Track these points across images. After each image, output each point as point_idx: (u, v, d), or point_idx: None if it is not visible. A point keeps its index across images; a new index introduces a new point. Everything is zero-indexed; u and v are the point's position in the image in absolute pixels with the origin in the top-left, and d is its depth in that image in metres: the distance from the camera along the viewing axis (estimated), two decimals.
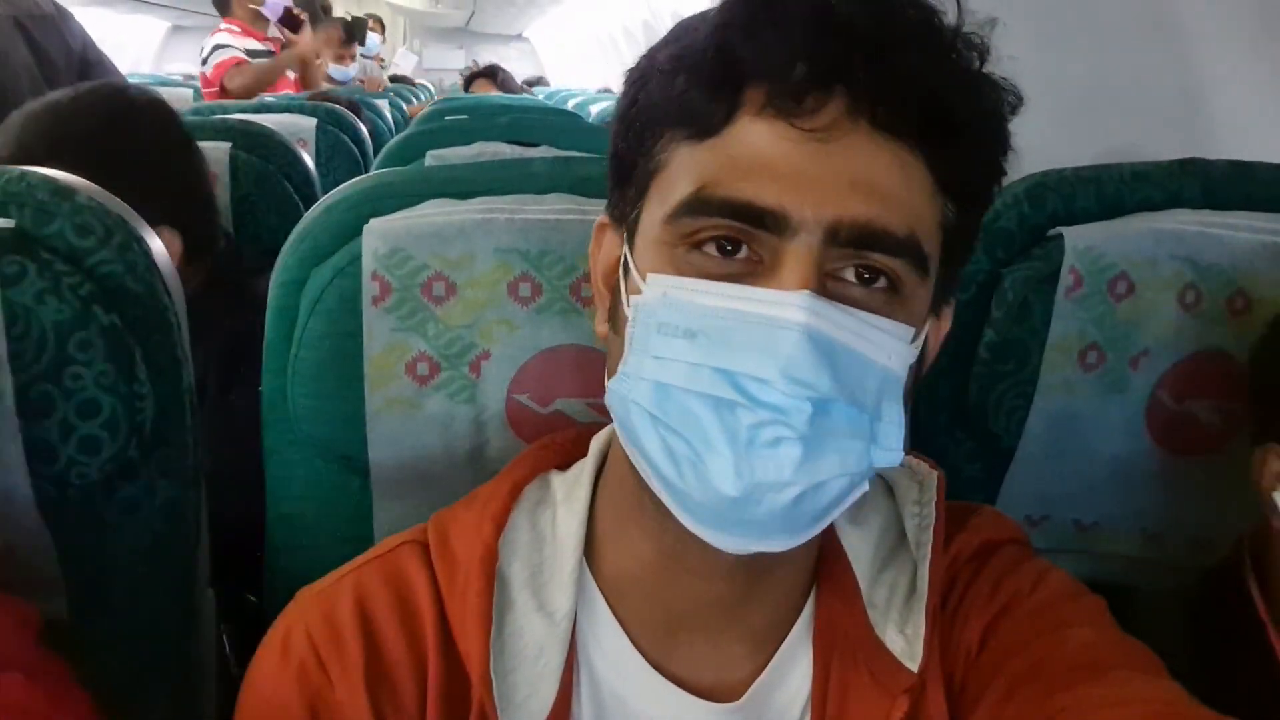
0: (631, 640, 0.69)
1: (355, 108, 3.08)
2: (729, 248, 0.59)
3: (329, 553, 0.74)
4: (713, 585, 0.67)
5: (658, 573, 0.67)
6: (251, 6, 4.49)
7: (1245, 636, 0.82)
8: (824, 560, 0.70)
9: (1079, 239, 0.92)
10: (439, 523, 0.72)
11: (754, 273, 0.58)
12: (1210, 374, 0.95)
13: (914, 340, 0.60)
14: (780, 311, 0.56)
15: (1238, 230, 0.93)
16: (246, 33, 4.50)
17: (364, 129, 2.81)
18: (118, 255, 0.84)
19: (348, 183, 0.92)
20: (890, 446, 0.59)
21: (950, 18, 0.58)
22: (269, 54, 4.49)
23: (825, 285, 0.57)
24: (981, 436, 0.99)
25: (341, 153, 2.61)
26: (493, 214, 0.86)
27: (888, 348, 0.58)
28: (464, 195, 0.89)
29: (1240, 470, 0.86)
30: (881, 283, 0.59)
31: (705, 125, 0.59)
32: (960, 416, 0.99)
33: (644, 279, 0.61)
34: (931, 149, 0.58)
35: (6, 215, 0.82)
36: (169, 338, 0.87)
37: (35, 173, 0.85)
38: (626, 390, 0.60)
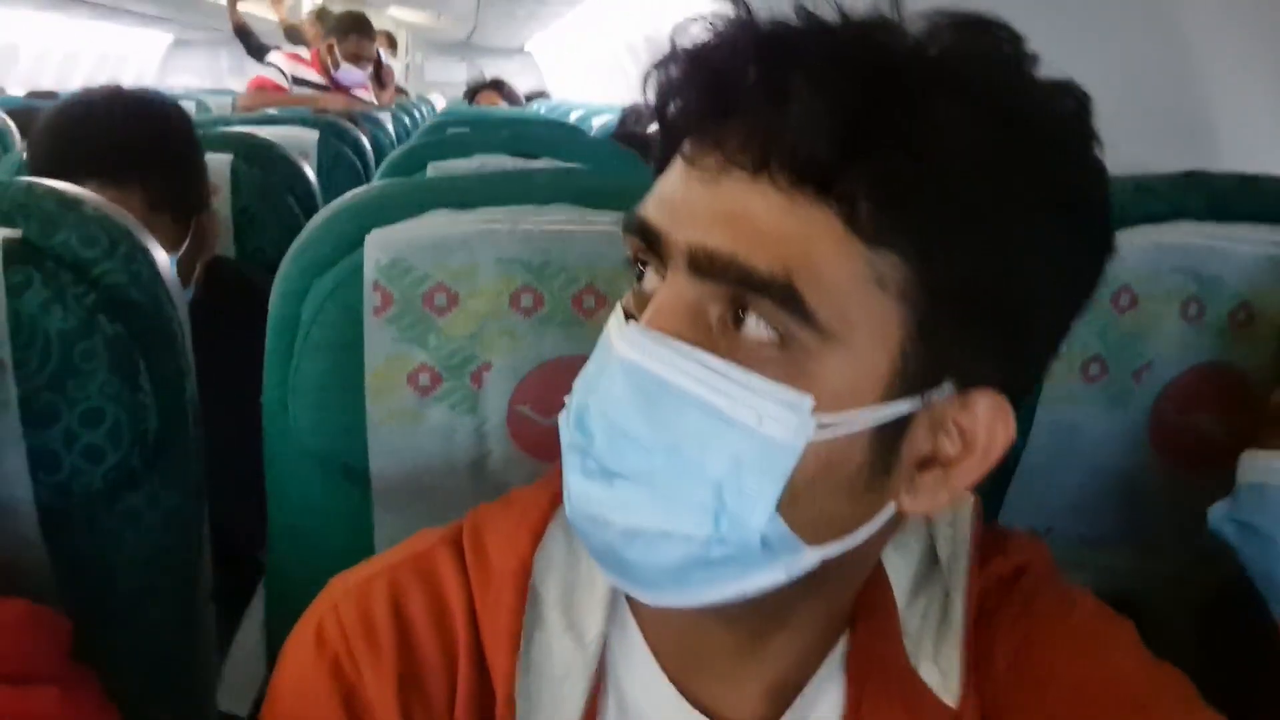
0: (663, 668, 0.67)
1: (357, 121, 3.09)
2: (639, 275, 0.60)
3: (330, 564, 0.74)
4: (720, 634, 0.65)
5: (670, 612, 0.65)
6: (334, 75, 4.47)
7: (1263, 644, 0.82)
8: (864, 588, 0.67)
9: None
10: (475, 525, 0.70)
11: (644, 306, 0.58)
12: (1214, 386, 0.95)
13: (823, 412, 0.53)
14: (614, 341, 0.56)
15: (1242, 243, 0.93)
16: (315, 65, 4.44)
17: (366, 142, 2.82)
18: (123, 265, 0.84)
19: (349, 193, 0.92)
20: (745, 523, 0.54)
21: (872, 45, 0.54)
22: (322, 88, 4.46)
23: (704, 331, 0.55)
24: None
25: (343, 166, 2.61)
26: (495, 225, 0.86)
27: (755, 407, 0.53)
28: (466, 206, 0.89)
29: None
30: (764, 333, 0.53)
31: (659, 167, 0.60)
32: None
33: None
34: (838, 198, 0.52)
35: (13, 225, 0.82)
36: (173, 348, 0.88)
37: (42, 184, 0.86)
38: None
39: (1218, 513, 0.86)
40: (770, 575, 0.56)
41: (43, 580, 0.83)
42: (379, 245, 0.85)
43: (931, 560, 0.70)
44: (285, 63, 4.46)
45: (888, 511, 0.58)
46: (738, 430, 0.53)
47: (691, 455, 0.54)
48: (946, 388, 0.56)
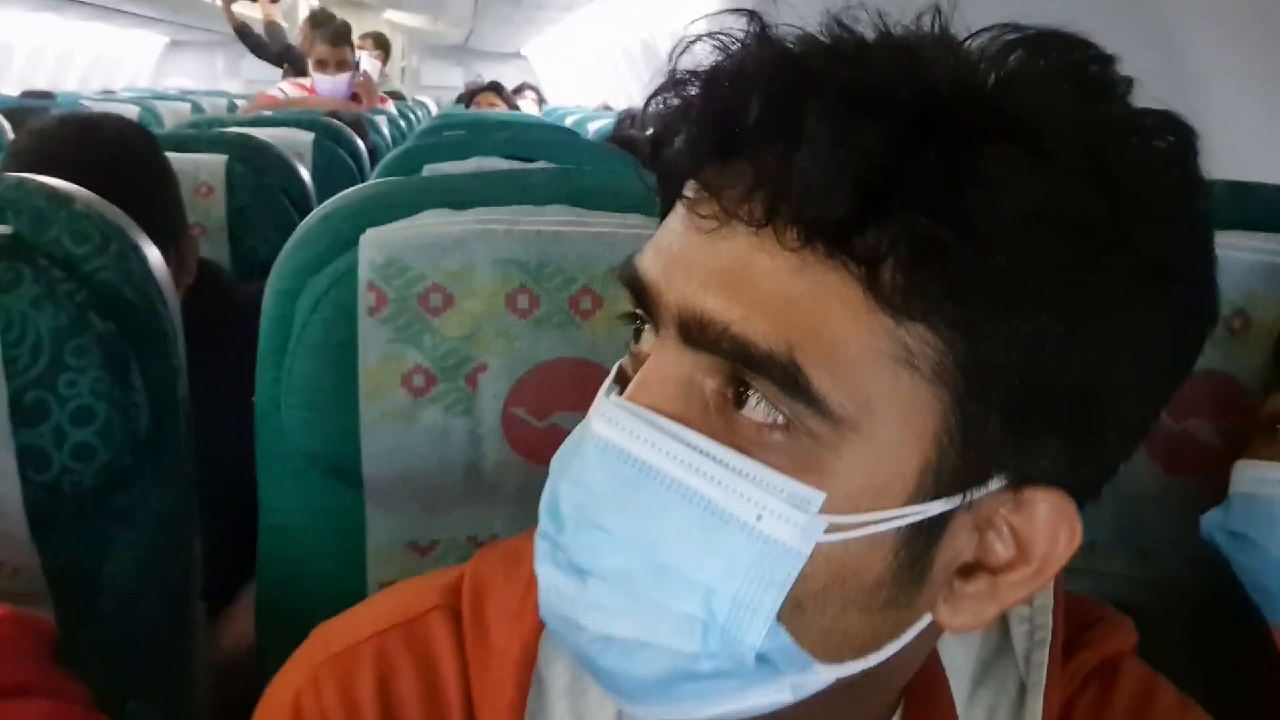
0: None
1: (354, 123, 3.08)
2: (637, 334, 0.52)
3: (321, 566, 0.74)
4: None
5: None
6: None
7: (1259, 651, 0.82)
8: (915, 679, 0.57)
9: None
10: (476, 589, 0.61)
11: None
12: (1209, 394, 0.94)
13: (837, 513, 0.45)
14: (591, 417, 0.50)
15: (1237, 250, 0.93)
16: (312, 93, 4.44)
17: (362, 145, 2.81)
18: (114, 263, 0.84)
19: (344, 192, 0.92)
20: (738, 638, 0.46)
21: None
22: None
23: (698, 409, 0.47)
24: None
25: (339, 168, 2.61)
26: (491, 225, 0.86)
27: (754, 499, 0.45)
28: (462, 206, 0.88)
29: None
30: (767, 415, 0.45)
31: (663, 210, 0.52)
32: None
33: None
34: (857, 260, 0.43)
35: (4, 221, 0.82)
36: (164, 346, 0.87)
37: (33, 180, 0.85)
38: None
39: (1210, 521, 0.86)
40: (774, 695, 0.48)
41: (32, 580, 0.83)
42: (374, 245, 0.85)
43: (999, 645, 0.61)
44: (290, 89, 4.48)
45: (920, 625, 0.50)
46: (732, 527, 0.45)
47: (675, 554, 0.46)
48: (995, 484, 0.47)
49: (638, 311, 0.51)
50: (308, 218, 0.91)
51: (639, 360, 0.51)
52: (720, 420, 0.47)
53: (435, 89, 12.21)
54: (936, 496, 0.46)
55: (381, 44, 6.68)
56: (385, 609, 0.63)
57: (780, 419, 0.45)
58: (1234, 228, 0.96)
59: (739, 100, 0.45)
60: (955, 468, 0.46)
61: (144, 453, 0.85)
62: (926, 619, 0.50)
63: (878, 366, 0.44)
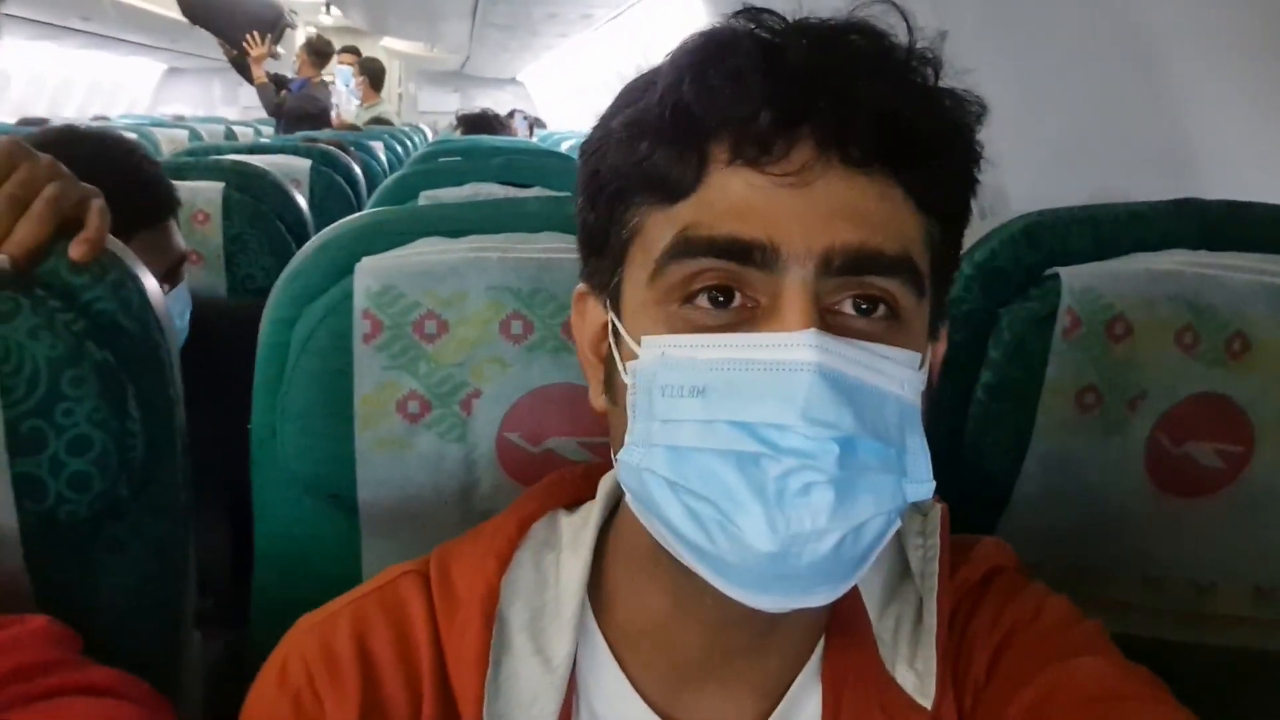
0: (636, 688, 0.68)
1: (348, 150, 3.09)
2: (720, 298, 0.58)
3: (316, 592, 0.73)
4: (728, 635, 0.66)
5: (670, 624, 0.66)
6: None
7: None
8: (837, 604, 0.66)
9: (1076, 279, 0.92)
10: (442, 555, 0.71)
11: (750, 319, 0.58)
12: (1209, 416, 0.94)
13: (921, 366, 0.60)
14: (789, 354, 0.55)
15: (1235, 271, 0.93)
16: None
17: (358, 170, 2.82)
18: (111, 292, 0.84)
19: (340, 221, 0.92)
20: (920, 478, 0.58)
21: (900, 37, 0.59)
22: None
23: (825, 321, 0.57)
24: (977, 478, 0.98)
25: (335, 194, 2.61)
26: (485, 252, 0.86)
27: (899, 377, 0.58)
28: (456, 234, 0.89)
29: (1242, 513, 0.84)
30: (880, 311, 0.58)
31: (676, 188, 0.59)
32: (956, 458, 0.98)
33: (638, 343, 0.60)
34: (906, 172, 0.58)
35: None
36: (161, 376, 0.87)
37: None
38: (638, 460, 0.59)
39: None
40: (891, 532, 0.59)
41: (25, 609, 0.82)
42: (369, 273, 0.85)
43: (901, 571, 0.72)
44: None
45: None
46: (895, 401, 0.58)
47: (879, 435, 0.57)
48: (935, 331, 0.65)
49: (715, 273, 0.58)
50: (304, 247, 0.91)
51: (725, 319, 0.58)
52: (861, 324, 0.59)
53: (432, 114, 12.27)
54: (932, 341, 0.63)
55: (367, 69, 6.70)
56: (361, 588, 0.71)
57: (890, 309, 0.59)
58: (1231, 248, 0.96)
59: (806, 75, 0.56)
60: (934, 320, 0.63)
61: (139, 482, 0.85)
62: None
63: (923, 249, 0.60)
